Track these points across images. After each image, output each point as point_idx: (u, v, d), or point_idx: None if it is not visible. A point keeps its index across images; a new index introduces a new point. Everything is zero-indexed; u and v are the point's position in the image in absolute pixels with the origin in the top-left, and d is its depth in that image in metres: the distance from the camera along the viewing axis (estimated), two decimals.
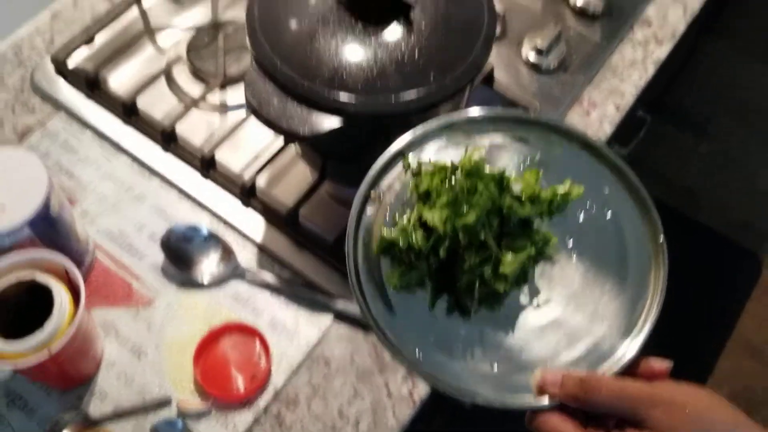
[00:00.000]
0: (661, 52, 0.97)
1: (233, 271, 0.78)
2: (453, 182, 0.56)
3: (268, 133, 0.76)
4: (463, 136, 0.61)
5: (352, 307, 0.75)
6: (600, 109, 0.92)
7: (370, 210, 0.58)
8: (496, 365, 0.53)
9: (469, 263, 0.54)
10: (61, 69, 0.90)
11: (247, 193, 0.82)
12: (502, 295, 0.56)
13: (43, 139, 0.87)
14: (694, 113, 2.00)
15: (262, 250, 0.81)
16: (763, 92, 1.93)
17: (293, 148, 0.85)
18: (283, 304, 0.77)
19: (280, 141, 0.84)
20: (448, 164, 0.57)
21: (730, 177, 2.00)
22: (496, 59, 0.94)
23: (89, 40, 0.92)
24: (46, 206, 0.67)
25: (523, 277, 0.56)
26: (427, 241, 0.55)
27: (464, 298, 0.56)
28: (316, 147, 0.79)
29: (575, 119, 0.91)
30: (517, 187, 0.57)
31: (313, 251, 0.79)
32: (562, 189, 0.57)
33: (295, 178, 0.86)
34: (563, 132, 0.61)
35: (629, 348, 0.53)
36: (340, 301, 0.76)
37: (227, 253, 0.79)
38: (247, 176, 0.82)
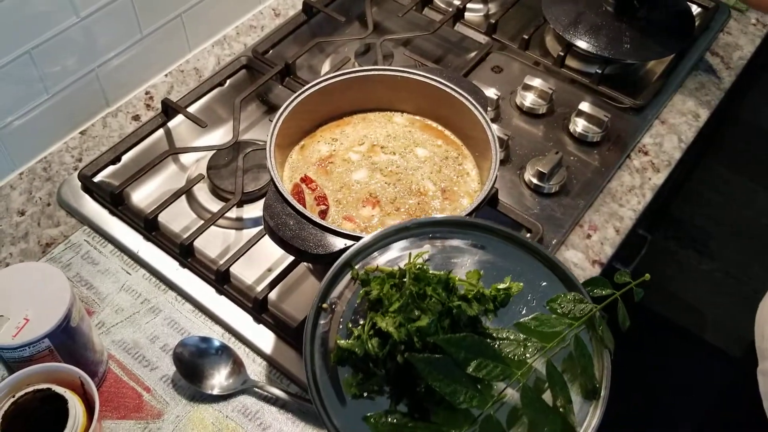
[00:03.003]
0: (658, 179, 1.02)
1: (242, 385, 0.79)
2: (402, 288, 0.59)
3: (281, 249, 0.80)
4: (415, 240, 0.65)
5: None
6: (600, 232, 0.96)
7: (323, 322, 0.61)
8: None
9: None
10: (87, 185, 0.95)
11: (259, 307, 0.84)
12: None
13: (65, 251, 0.90)
14: (694, 231, 2.05)
15: (272, 363, 0.82)
16: (760, 211, 1.98)
17: (305, 264, 0.88)
18: (290, 420, 0.78)
19: (292, 256, 0.87)
20: (396, 270, 0.60)
21: (732, 294, 2.01)
22: (500, 182, 0.99)
23: (116, 160, 0.98)
24: (66, 319, 0.70)
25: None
26: (383, 348, 0.57)
27: (425, 401, 0.57)
28: (328, 265, 0.82)
29: (576, 241, 0.94)
30: (461, 288, 0.60)
31: None
32: (502, 285, 0.61)
33: (306, 293, 0.89)
34: (498, 233, 0.66)
35: None
36: None
37: (238, 366, 0.80)
38: (259, 289, 0.85)
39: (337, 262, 0.64)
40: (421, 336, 0.56)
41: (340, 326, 0.61)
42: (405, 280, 0.60)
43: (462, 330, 0.59)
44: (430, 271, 0.61)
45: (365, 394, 0.58)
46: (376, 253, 0.65)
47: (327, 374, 0.59)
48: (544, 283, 0.64)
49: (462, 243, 0.66)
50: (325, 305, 0.62)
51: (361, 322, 0.60)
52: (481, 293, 0.60)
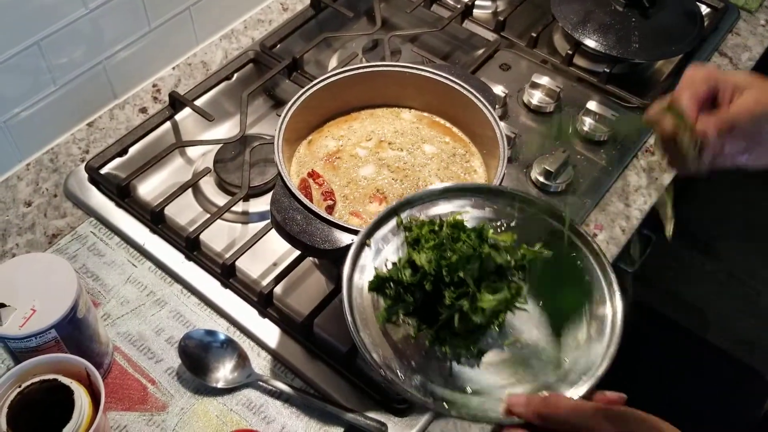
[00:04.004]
0: (665, 179, 1.02)
1: (247, 378, 0.80)
2: (439, 232, 0.63)
3: (286, 243, 0.80)
4: (458, 202, 0.69)
5: (363, 421, 0.76)
6: (607, 232, 0.96)
7: (365, 255, 0.65)
8: (469, 388, 0.59)
9: (449, 299, 0.59)
10: (94, 177, 0.96)
11: (264, 301, 0.84)
12: (478, 333, 0.61)
13: (72, 243, 0.90)
14: (698, 232, 2.05)
15: (276, 357, 0.82)
16: (765, 213, 1.98)
17: (310, 259, 0.88)
18: (294, 414, 0.78)
19: (297, 250, 0.87)
20: (437, 219, 0.65)
21: (735, 296, 2.01)
22: (507, 180, 0.99)
23: (123, 152, 0.98)
24: (73, 310, 0.70)
25: (497, 318, 0.61)
26: (414, 276, 0.61)
27: (443, 331, 0.61)
28: (334, 260, 0.82)
29: None
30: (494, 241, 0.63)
31: (326, 361, 0.81)
32: (534, 248, 0.63)
33: (311, 288, 0.89)
34: (521, 199, 0.69)
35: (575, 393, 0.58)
36: (351, 414, 0.77)
37: (242, 360, 0.81)
38: (264, 284, 0.85)
39: (386, 208, 0.67)
40: (449, 271, 0.60)
41: (378, 261, 0.65)
42: (443, 226, 0.64)
43: (488, 275, 0.61)
44: (466, 224, 0.65)
45: (393, 319, 0.62)
46: (419, 209, 0.68)
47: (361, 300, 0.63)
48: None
49: (496, 212, 0.69)
50: (368, 241, 0.65)
51: (399, 256, 0.64)
52: (512, 247, 0.63)
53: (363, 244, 0.65)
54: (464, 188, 0.70)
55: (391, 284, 0.62)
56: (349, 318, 0.61)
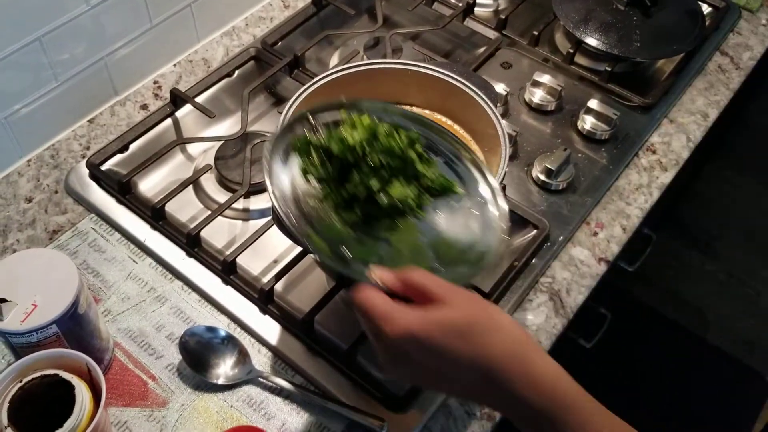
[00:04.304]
0: (666, 177, 1.02)
1: (248, 375, 0.80)
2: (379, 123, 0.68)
3: (287, 240, 0.80)
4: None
5: (363, 417, 0.76)
6: (607, 230, 0.96)
7: (299, 128, 0.69)
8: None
9: (365, 176, 0.64)
10: (94, 173, 0.96)
11: (265, 298, 0.84)
12: (376, 228, 0.66)
13: (72, 239, 0.90)
14: (699, 232, 2.05)
15: (277, 354, 0.82)
16: (766, 213, 1.98)
17: (311, 256, 0.88)
18: (294, 411, 0.78)
19: (298, 248, 0.87)
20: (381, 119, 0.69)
21: (734, 296, 2.01)
22: (508, 178, 0.99)
23: (124, 149, 0.98)
24: (74, 306, 0.70)
25: (399, 215, 0.66)
26: (342, 149, 0.65)
27: (348, 212, 0.66)
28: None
29: (583, 238, 0.94)
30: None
31: (326, 358, 0.81)
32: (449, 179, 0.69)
33: (311, 285, 0.89)
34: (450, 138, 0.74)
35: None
36: (351, 411, 0.77)
37: (243, 356, 0.81)
38: (265, 281, 0.85)
39: (336, 100, 0.71)
40: (373, 153, 0.65)
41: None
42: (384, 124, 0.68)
43: (406, 178, 0.67)
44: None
45: (306, 175, 0.66)
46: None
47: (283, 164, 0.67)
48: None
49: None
50: (312, 120, 0.70)
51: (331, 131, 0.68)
52: (434, 167, 0.68)
53: (304, 117, 0.69)
54: (405, 114, 0.74)
55: (319, 150, 0.66)
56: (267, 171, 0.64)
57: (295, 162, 0.68)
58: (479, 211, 0.69)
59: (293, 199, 0.65)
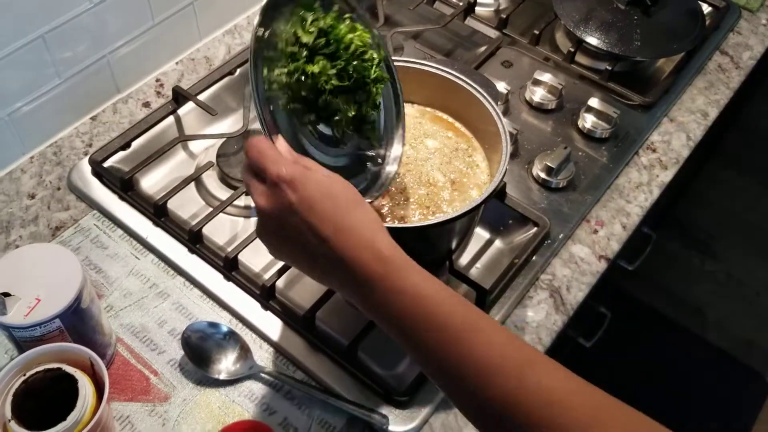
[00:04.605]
0: (666, 176, 1.02)
1: (249, 370, 0.80)
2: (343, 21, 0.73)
3: None
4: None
5: (364, 413, 0.77)
6: (607, 228, 0.96)
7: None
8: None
9: (326, 64, 0.69)
10: (97, 170, 0.96)
11: (266, 294, 0.85)
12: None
13: (75, 235, 0.91)
14: (698, 232, 2.05)
15: (278, 350, 0.83)
16: (765, 214, 1.99)
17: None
18: (295, 406, 0.79)
19: None
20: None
21: (734, 296, 2.02)
22: (508, 176, 0.99)
23: (126, 146, 0.98)
24: (77, 300, 0.71)
25: (347, 105, 0.71)
26: (309, 37, 0.69)
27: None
28: None
29: (583, 236, 0.95)
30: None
31: (327, 354, 0.82)
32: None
33: (313, 281, 0.89)
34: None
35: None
36: (352, 406, 0.77)
37: (244, 352, 0.81)
38: (267, 277, 0.85)
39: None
40: (335, 42, 0.71)
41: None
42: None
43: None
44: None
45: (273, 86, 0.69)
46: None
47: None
48: None
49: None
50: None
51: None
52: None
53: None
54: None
55: (282, 38, 0.69)
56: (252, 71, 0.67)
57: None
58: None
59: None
